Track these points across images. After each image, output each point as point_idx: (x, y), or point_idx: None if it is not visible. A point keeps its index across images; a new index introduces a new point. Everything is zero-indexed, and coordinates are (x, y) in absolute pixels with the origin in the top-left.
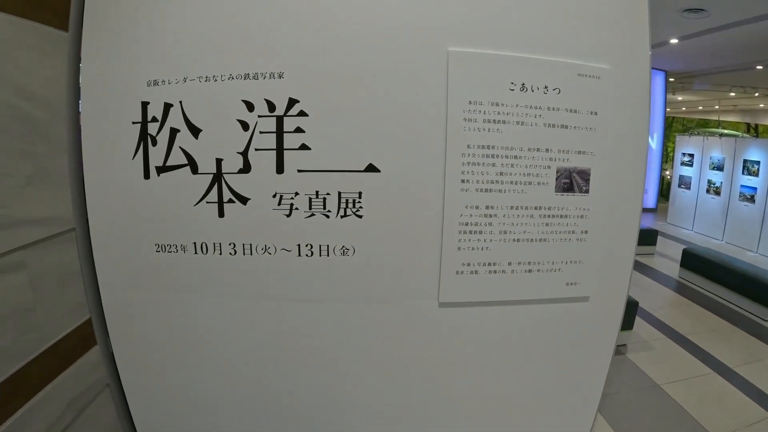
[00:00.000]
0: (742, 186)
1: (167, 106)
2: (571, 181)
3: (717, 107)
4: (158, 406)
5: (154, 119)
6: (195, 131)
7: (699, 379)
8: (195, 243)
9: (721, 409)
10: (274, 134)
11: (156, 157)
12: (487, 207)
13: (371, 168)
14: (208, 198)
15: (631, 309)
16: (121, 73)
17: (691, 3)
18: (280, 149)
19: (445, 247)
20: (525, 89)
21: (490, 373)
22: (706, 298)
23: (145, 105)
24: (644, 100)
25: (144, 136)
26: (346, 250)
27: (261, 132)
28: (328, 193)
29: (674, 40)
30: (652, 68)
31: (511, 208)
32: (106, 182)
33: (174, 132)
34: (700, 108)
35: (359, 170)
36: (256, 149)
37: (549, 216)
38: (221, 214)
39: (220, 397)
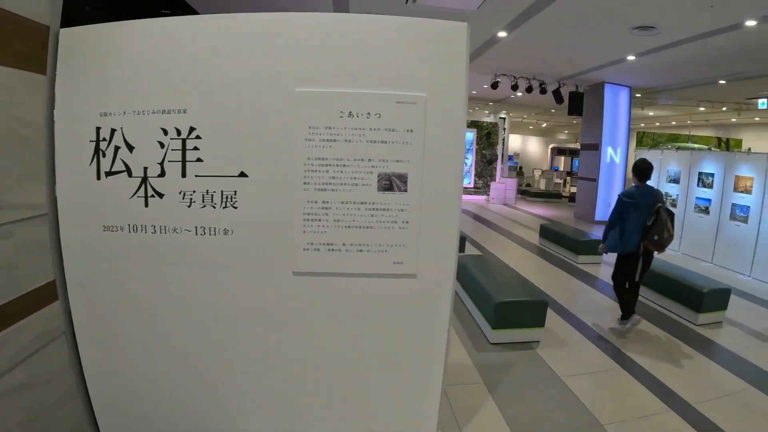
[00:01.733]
0: (697, 198)
1: (113, 131)
2: (391, 183)
3: (689, 122)
4: (103, 351)
5: (104, 139)
6: (130, 148)
7: (603, 373)
8: (129, 225)
9: (617, 400)
10: (180, 151)
11: (105, 164)
12: (323, 202)
13: (242, 174)
14: (138, 194)
15: (541, 308)
16: (81, 106)
17: (641, 20)
18: (183, 161)
19: (294, 230)
20: (352, 115)
21: (337, 333)
22: (642, 303)
23: (98, 129)
24: (460, 118)
25: (97, 150)
26: (227, 231)
27: (172, 149)
28: (214, 191)
29: (631, 57)
30: (617, 84)
31: (342, 202)
32: (71, 181)
33: (117, 148)
34: (674, 123)
35: (234, 175)
36: (169, 161)
37: (373, 209)
38: (146, 205)
39: (150, 339)
